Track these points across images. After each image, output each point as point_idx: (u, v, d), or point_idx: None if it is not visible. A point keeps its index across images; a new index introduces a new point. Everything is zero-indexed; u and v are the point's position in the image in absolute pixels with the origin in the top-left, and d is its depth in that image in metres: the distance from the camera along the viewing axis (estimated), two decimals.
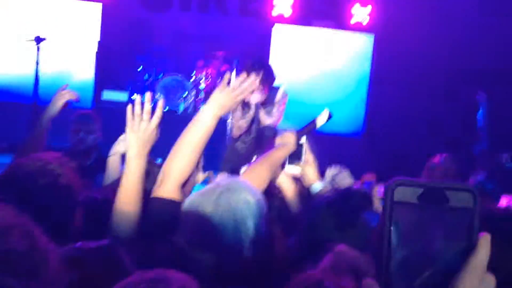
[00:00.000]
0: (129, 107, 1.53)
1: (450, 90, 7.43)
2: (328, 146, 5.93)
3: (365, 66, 8.03)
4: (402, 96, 7.51)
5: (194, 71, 7.83)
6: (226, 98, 1.58)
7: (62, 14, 7.61)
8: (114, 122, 5.94)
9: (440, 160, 2.93)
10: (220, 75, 7.99)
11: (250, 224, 1.30)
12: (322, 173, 2.33)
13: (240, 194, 1.34)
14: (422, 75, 7.56)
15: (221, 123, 7.10)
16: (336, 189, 1.96)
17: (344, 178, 2.43)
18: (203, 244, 1.31)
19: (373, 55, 7.96)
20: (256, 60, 3.75)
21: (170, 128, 1.87)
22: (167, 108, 7.52)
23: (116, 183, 2.34)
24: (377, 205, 2.72)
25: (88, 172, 3.20)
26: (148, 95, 1.56)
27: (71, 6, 7.70)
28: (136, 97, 1.56)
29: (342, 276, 1.12)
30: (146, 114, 1.54)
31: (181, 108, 7.53)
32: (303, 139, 2.09)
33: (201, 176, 2.37)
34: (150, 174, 1.84)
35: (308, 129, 2.13)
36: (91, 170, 3.26)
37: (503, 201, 3.21)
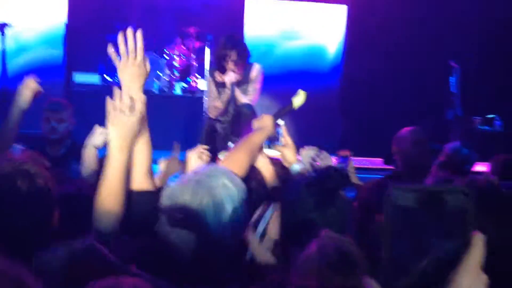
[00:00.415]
0: (108, 99, 1.48)
1: (423, 58, 7.49)
2: (304, 119, 5.96)
3: (339, 38, 8.01)
4: (376, 66, 7.54)
5: (166, 49, 7.68)
6: (120, 122, 1.46)
7: None
8: (86, 105, 5.88)
9: (407, 133, 2.98)
10: (194, 52, 7.87)
11: (228, 208, 1.36)
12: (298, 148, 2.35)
13: (218, 179, 1.38)
14: (395, 44, 7.59)
15: (196, 101, 7.03)
16: (315, 169, 1.98)
17: (324, 158, 2.44)
18: (183, 227, 1.35)
19: (346, 25, 7.94)
20: (228, 38, 3.69)
21: (146, 109, 1.81)
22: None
23: (93, 176, 2.33)
24: (355, 180, 2.77)
25: (62, 161, 3.16)
26: (126, 95, 1.52)
27: None
28: (115, 89, 1.51)
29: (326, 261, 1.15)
30: (126, 107, 1.48)
31: (156, 87, 7.42)
32: (281, 121, 2.10)
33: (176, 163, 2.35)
34: None
35: (285, 110, 2.13)
36: (65, 158, 3.21)
37: (480, 168, 3.30)
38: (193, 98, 7.25)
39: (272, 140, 2.10)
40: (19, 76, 6.64)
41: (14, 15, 6.78)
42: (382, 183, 2.29)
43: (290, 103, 2.17)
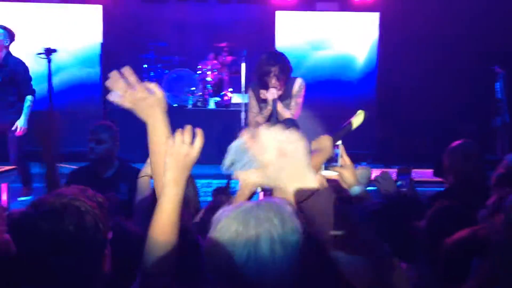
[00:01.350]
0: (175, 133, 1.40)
1: (463, 63, 7.31)
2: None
3: (373, 46, 7.92)
4: (412, 73, 7.41)
5: (199, 65, 7.75)
6: (179, 154, 1.38)
7: (65, 21, 7.55)
8: (124, 123, 5.94)
9: (459, 147, 2.86)
10: (226, 66, 7.91)
11: (264, 247, 1.15)
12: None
13: (264, 212, 1.18)
14: (431, 50, 7.44)
15: (231, 114, 7.00)
16: (383, 195, 1.89)
17: (387, 180, 2.36)
18: (216, 253, 1.18)
19: (379, 33, 7.84)
20: (270, 53, 3.66)
21: (181, 123, 1.78)
22: (176, 104, 7.49)
23: (146, 203, 2.32)
24: None
25: (111, 182, 3.19)
26: (189, 128, 1.41)
27: (72, 12, 7.63)
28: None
29: None
30: (187, 137, 1.40)
31: (190, 102, 7.48)
32: (339, 141, 2.03)
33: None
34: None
35: (344, 131, 2.06)
36: (114, 180, 3.24)
37: None
38: (228, 111, 7.27)
39: (330, 161, 2.04)
40: (60, 96, 6.80)
41: (53, 37, 6.98)
42: (448, 204, 2.18)
43: (349, 123, 2.10)
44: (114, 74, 1.56)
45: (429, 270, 1.16)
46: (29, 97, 4.84)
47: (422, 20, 7.24)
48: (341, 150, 2.05)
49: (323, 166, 2.03)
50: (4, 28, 4.77)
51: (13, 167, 6.71)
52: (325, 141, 1.96)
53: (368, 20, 7.88)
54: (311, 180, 1.05)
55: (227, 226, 1.18)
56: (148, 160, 2.55)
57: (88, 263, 1.25)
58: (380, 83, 7.83)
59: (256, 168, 1.08)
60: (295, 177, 1.05)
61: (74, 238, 1.22)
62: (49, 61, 3.90)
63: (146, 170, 2.51)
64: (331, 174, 2.05)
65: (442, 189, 3.10)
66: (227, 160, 1.12)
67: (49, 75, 4.01)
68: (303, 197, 1.04)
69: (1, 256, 1.52)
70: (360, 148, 6.55)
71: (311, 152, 1.94)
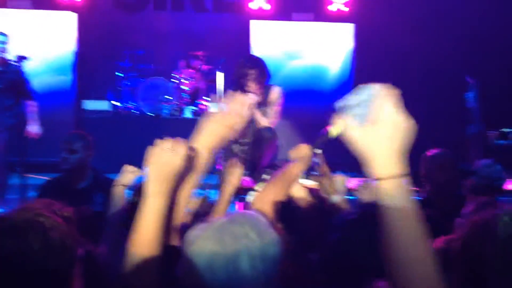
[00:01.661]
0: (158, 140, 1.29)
1: (435, 74, 7.46)
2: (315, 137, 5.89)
3: (348, 56, 8.01)
4: (386, 82, 7.51)
5: (175, 73, 7.69)
6: (161, 162, 1.29)
7: (38, 28, 7.40)
8: (97, 131, 5.83)
9: (434, 156, 2.88)
10: (202, 74, 7.87)
11: (244, 264, 1.13)
12: None
13: (240, 227, 1.17)
14: (405, 61, 7.57)
15: None
16: (363, 203, 1.88)
17: (369, 191, 2.36)
18: (195, 272, 1.15)
19: (354, 44, 7.94)
20: (248, 57, 3.65)
21: (156, 133, 1.71)
22: (151, 113, 7.39)
23: (119, 215, 2.25)
24: None
25: (85, 194, 3.09)
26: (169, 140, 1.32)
27: (45, 18, 7.48)
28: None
29: None
30: (167, 145, 1.29)
31: (165, 111, 7.40)
32: (318, 150, 2.02)
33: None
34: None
35: (323, 140, 2.04)
36: (89, 190, 3.15)
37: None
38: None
39: (309, 170, 2.02)
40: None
41: (26, 44, 6.82)
42: (425, 214, 2.18)
43: (326, 132, 2.09)
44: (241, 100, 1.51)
45: None
46: (33, 102, 4.91)
47: (397, 31, 7.37)
48: (320, 158, 2.03)
49: (302, 175, 2.01)
50: (5, 34, 4.77)
51: None
52: (303, 150, 1.94)
53: (343, 31, 7.98)
54: (400, 164, 0.98)
55: (203, 247, 1.14)
56: (124, 169, 2.48)
57: (55, 283, 1.15)
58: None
59: (365, 123, 0.98)
60: (391, 151, 0.97)
61: (38, 257, 1.12)
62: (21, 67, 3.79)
63: (121, 179, 2.44)
64: (310, 183, 2.03)
65: (418, 198, 3.13)
66: (352, 100, 1.01)
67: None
68: (385, 175, 0.97)
69: None
70: (336, 157, 6.58)
71: (290, 161, 1.93)
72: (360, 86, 1.00)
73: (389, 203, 0.97)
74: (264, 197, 1.77)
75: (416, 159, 3.17)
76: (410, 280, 0.96)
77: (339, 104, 1.02)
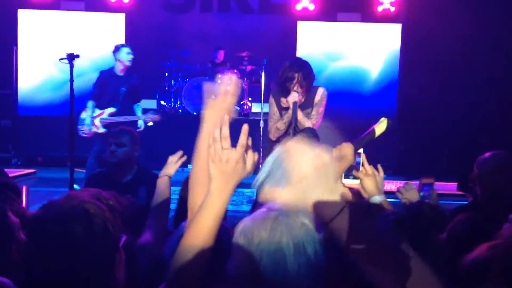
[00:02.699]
0: (213, 133, 1.28)
1: (482, 77, 7.19)
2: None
3: (394, 57, 7.85)
4: (432, 85, 7.31)
5: (219, 74, 7.77)
6: (221, 167, 1.27)
7: (87, 28, 7.70)
8: (144, 130, 5.97)
9: (490, 157, 2.75)
10: (246, 76, 7.93)
11: (310, 251, 1.20)
12: None
13: (296, 218, 1.22)
14: (452, 64, 7.34)
15: (251, 123, 7.02)
16: (404, 204, 1.84)
17: (410, 190, 2.30)
18: (260, 272, 1.18)
19: (401, 45, 7.77)
20: (294, 60, 3.62)
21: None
22: (196, 112, 7.51)
23: (163, 205, 2.30)
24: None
25: (129, 187, 3.18)
26: (226, 117, 1.28)
27: (95, 19, 7.76)
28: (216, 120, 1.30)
29: None
30: (225, 141, 1.26)
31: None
32: (361, 150, 1.99)
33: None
34: None
35: (367, 139, 2.00)
36: (132, 184, 3.23)
37: None
38: (247, 120, 7.26)
39: (351, 169, 1.99)
40: (82, 102, 6.90)
41: (76, 44, 7.10)
42: (471, 217, 2.10)
43: (373, 131, 2.04)
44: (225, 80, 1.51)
45: (449, 285, 1.09)
46: (140, 103, 6.03)
47: (444, 32, 7.16)
48: (363, 158, 2.00)
49: (343, 174, 1.98)
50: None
51: (32, 170, 6.85)
52: (346, 148, 1.91)
53: (389, 31, 7.83)
54: (341, 196, 1.01)
55: (257, 233, 1.19)
56: (169, 160, 2.51)
57: (98, 267, 1.20)
58: (401, 95, 7.74)
59: (287, 184, 1.02)
60: (327, 192, 1.00)
61: (82, 241, 1.18)
62: (71, 66, 3.95)
63: (166, 170, 2.49)
64: (352, 182, 2.00)
65: (464, 203, 3.02)
66: (261, 175, 1.05)
67: (71, 81, 4.05)
68: (333, 215, 1.00)
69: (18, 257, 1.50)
70: (381, 160, 6.46)
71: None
72: (266, 160, 1.03)
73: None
74: None
75: (464, 164, 3.07)
76: None
77: (257, 182, 1.04)
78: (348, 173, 1.98)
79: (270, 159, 1.03)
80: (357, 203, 2.06)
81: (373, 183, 2.00)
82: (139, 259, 1.86)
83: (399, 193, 2.30)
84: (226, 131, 1.26)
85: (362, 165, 2.00)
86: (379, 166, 2.11)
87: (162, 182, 2.46)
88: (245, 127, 1.28)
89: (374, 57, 7.89)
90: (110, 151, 3.20)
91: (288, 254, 1.18)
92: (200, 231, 1.26)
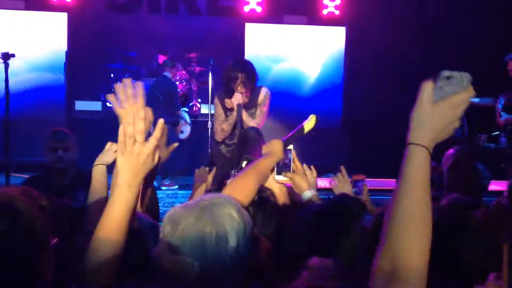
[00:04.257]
0: (121, 127, 1.26)
1: (424, 76, 7.48)
2: (307, 139, 5.91)
3: (339, 60, 8.05)
4: (377, 86, 7.55)
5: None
6: (132, 160, 1.27)
7: (27, 27, 7.40)
8: (88, 132, 5.83)
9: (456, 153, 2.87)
10: (195, 77, 7.88)
11: (232, 241, 1.24)
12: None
13: (224, 209, 1.28)
14: (394, 65, 7.61)
15: (200, 124, 7.04)
16: (332, 197, 1.90)
17: (344, 183, 2.37)
18: (185, 251, 1.23)
19: (345, 47, 7.97)
20: (237, 60, 3.65)
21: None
22: None
23: (99, 203, 2.21)
24: (369, 205, 2.70)
25: (67, 190, 3.07)
26: (142, 111, 1.27)
27: (36, 18, 7.48)
28: (128, 115, 1.29)
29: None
30: (140, 135, 1.25)
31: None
32: (290, 147, 2.02)
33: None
34: None
35: (295, 136, 2.05)
36: (70, 187, 3.13)
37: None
38: (196, 122, 7.22)
39: (282, 166, 2.02)
40: (22, 105, 6.61)
41: (15, 44, 6.82)
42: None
43: (301, 127, 2.09)
44: (122, 84, 1.47)
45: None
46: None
47: (387, 34, 7.41)
48: (293, 155, 2.03)
49: (275, 171, 2.01)
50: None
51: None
52: (275, 144, 1.95)
53: (334, 34, 8.02)
54: (432, 140, 1.08)
55: (192, 227, 1.24)
56: (107, 146, 2.38)
57: (21, 265, 1.17)
58: (346, 95, 7.95)
59: (439, 99, 1.08)
60: (433, 128, 1.07)
61: (4, 236, 1.14)
62: (7, 66, 3.79)
63: (103, 157, 2.34)
64: (283, 179, 2.03)
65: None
66: (452, 74, 1.09)
67: (6, 81, 3.88)
68: (419, 143, 1.07)
69: None
70: (326, 160, 6.60)
71: (262, 156, 1.93)
72: (461, 72, 1.08)
73: (409, 165, 1.05)
74: (236, 183, 1.77)
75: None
76: (405, 240, 1.01)
77: (444, 72, 1.10)
78: (280, 170, 2.01)
79: (460, 76, 1.07)
80: (292, 198, 2.10)
81: (303, 180, 2.04)
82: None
83: (333, 186, 2.37)
84: (141, 125, 1.26)
85: (293, 162, 2.04)
86: (312, 166, 2.16)
87: (98, 171, 2.27)
88: (160, 121, 1.29)
89: (318, 59, 8.06)
90: (57, 156, 3.07)
91: (210, 242, 1.22)
92: (111, 224, 1.25)
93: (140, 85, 1.37)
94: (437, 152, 1.11)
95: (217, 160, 3.97)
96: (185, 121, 6.66)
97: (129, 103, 1.43)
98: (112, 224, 1.26)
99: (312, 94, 8.02)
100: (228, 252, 1.23)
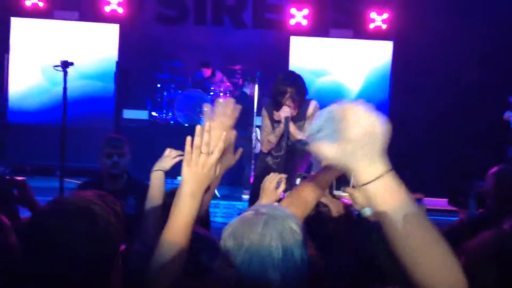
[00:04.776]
0: (188, 138, 1.30)
1: (473, 95, 7.29)
2: None
3: (386, 74, 7.94)
4: (422, 102, 7.39)
5: (212, 86, 7.80)
6: (196, 171, 1.31)
7: (82, 37, 7.69)
8: (134, 140, 5.97)
9: (498, 171, 2.76)
10: (238, 88, 7.95)
11: (297, 255, 1.26)
12: None
13: (285, 222, 1.28)
14: (442, 80, 7.44)
15: (245, 135, 6.99)
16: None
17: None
18: (250, 273, 1.23)
19: (392, 62, 7.86)
20: (287, 74, 3.65)
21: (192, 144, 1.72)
22: (188, 123, 7.51)
23: (157, 211, 2.22)
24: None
25: (119, 196, 3.13)
26: (207, 124, 1.32)
27: (89, 29, 7.77)
28: (197, 127, 1.33)
29: None
30: (205, 147, 1.31)
31: (202, 122, 7.48)
32: None
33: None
34: None
35: None
36: (122, 193, 3.20)
37: None
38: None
39: (342, 180, 1.99)
40: (76, 112, 6.84)
41: (70, 53, 7.09)
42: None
43: None
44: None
45: None
46: None
47: (435, 49, 7.26)
48: None
49: (334, 187, 1.99)
50: None
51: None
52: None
53: (380, 48, 7.93)
54: (381, 164, 1.01)
55: (247, 236, 1.25)
56: (167, 153, 2.37)
57: (93, 268, 1.20)
58: (392, 111, 7.81)
59: (336, 141, 1.03)
60: (369, 157, 1.01)
61: (82, 240, 1.17)
62: (65, 73, 3.94)
63: (161, 163, 2.32)
64: (342, 194, 2.00)
65: (455, 218, 3.02)
66: (314, 126, 1.06)
67: (64, 88, 4.04)
68: (370, 179, 1.02)
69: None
70: None
71: (325, 169, 1.90)
72: (320, 112, 1.04)
73: (383, 205, 0.99)
74: (295, 196, 1.76)
75: (455, 179, 3.09)
76: (432, 281, 0.94)
77: (309, 133, 1.05)
78: (340, 184, 1.98)
79: (323, 113, 1.04)
80: (348, 215, 2.07)
81: (363, 195, 2.00)
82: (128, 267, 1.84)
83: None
84: (207, 137, 1.30)
85: (353, 177, 2.00)
86: None
87: (156, 176, 2.25)
88: (223, 134, 1.34)
89: (361, 73, 7.98)
90: (113, 162, 3.14)
91: (277, 258, 1.22)
92: (175, 232, 1.29)
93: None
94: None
95: (261, 171, 3.98)
96: (256, 137, 6.64)
97: (220, 119, 1.48)
98: (177, 231, 1.29)
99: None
100: (296, 265, 1.25)
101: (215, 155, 1.32)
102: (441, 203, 4.58)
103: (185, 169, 1.31)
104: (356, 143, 1.00)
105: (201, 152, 1.31)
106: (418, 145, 7.45)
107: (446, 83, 7.41)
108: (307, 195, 1.77)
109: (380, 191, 1.00)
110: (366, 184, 1.01)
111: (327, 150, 1.03)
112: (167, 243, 1.29)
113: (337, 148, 1.02)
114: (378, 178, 1.00)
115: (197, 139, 1.30)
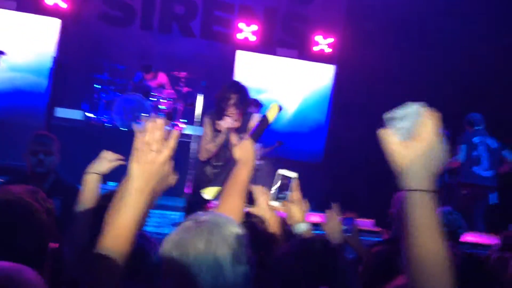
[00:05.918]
0: (139, 135, 1.26)
1: None
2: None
3: (326, 96, 8.15)
4: (361, 127, 7.63)
5: (154, 92, 7.64)
6: (145, 168, 1.26)
7: (18, 28, 7.31)
8: (66, 140, 5.68)
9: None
10: (182, 96, 7.84)
11: (243, 258, 1.27)
12: None
13: (228, 228, 1.30)
14: (380, 106, 7.72)
15: (181, 144, 6.98)
16: (301, 239, 1.84)
17: (334, 223, 2.33)
18: (200, 281, 1.23)
19: (334, 85, 8.09)
20: (233, 82, 3.66)
21: (125, 147, 1.64)
22: (125, 128, 7.28)
23: (87, 215, 2.10)
24: (358, 243, 2.65)
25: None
26: (161, 121, 1.28)
27: (28, 21, 7.40)
28: (148, 123, 1.27)
29: None
30: (157, 144, 1.27)
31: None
32: (294, 174, 1.96)
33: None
34: None
35: (262, 127, 1.98)
36: (47, 193, 3.00)
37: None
38: (178, 141, 7.14)
39: (280, 193, 1.96)
40: (4, 104, 6.43)
41: (5, 43, 6.71)
42: (390, 250, 2.16)
43: (265, 118, 2.02)
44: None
45: None
46: None
47: (378, 74, 7.54)
48: (294, 184, 1.97)
49: (273, 196, 1.96)
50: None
51: None
52: (246, 146, 1.89)
53: (323, 71, 8.15)
54: (433, 181, 1.07)
55: (192, 246, 1.25)
56: (103, 155, 2.24)
57: (23, 262, 1.12)
58: (330, 134, 8.01)
59: (408, 137, 1.07)
60: (428, 168, 1.07)
61: (8, 235, 1.13)
62: None
63: (97, 166, 2.20)
64: (278, 205, 1.96)
65: (379, 239, 3.12)
66: (400, 112, 1.08)
67: None
68: (422, 187, 1.06)
69: None
70: (304, 195, 6.57)
71: (236, 163, 1.87)
72: (408, 103, 1.10)
73: (413, 213, 1.06)
74: (224, 205, 1.75)
75: (383, 202, 3.18)
76: (427, 277, 1.05)
77: (387, 115, 1.10)
78: (278, 197, 1.95)
79: (412, 107, 1.08)
80: (284, 229, 2.04)
81: (300, 211, 1.98)
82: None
83: (322, 223, 2.32)
84: (158, 135, 1.26)
85: (293, 191, 1.97)
86: (305, 199, 2.10)
87: (90, 179, 2.13)
88: (175, 132, 1.29)
89: (300, 93, 8.15)
90: (38, 160, 2.97)
91: (225, 264, 1.23)
92: (119, 231, 1.23)
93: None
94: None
95: (200, 180, 3.92)
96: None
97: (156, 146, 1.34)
98: (121, 230, 1.23)
99: (291, 128, 8.04)
100: (243, 271, 1.26)
101: (166, 152, 1.27)
102: (368, 223, 4.73)
103: (134, 165, 1.26)
104: (423, 147, 1.06)
105: (151, 149, 1.26)
106: (352, 168, 7.66)
107: (386, 108, 7.67)
108: (235, 202, 1.77)
109: (424, 203, 1.05)
110: (414, 190, 1.06)
111: (395, 142, 1.08)
112: (109, 242, 1.22)
113: (405, 145, 1.07)
114: (429, 191, 1.05)
115: (148, 136, 1.24)
